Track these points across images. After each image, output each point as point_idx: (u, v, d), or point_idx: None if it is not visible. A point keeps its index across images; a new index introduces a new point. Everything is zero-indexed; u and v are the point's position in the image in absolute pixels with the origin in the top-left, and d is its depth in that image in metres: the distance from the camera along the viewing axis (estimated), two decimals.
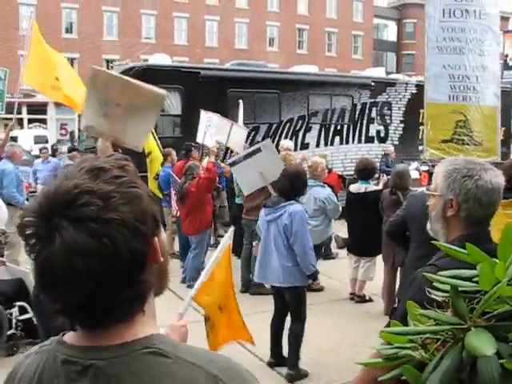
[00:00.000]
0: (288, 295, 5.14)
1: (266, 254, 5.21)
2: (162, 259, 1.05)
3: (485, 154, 3.28)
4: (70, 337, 1.07)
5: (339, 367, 5.26)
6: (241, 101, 10.36)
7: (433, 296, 1.11)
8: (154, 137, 9.91)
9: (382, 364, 1.14)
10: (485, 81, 3.92)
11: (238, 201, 9.02)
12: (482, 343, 0.92)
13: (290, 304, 5.17)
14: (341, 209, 7.15)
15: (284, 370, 5.18)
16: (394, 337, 1.10)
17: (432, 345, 1.08)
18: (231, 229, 4.21)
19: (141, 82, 2.73)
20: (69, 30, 38.27)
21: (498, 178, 1.98)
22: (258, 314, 6.59)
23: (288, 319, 5.34)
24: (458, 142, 3.79)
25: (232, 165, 6.19)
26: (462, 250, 1.12)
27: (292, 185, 5.13)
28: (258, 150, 6.15)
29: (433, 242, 1.37)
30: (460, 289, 1.06)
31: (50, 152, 14.70)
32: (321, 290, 7.71)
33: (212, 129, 10.39)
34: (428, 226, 2.12)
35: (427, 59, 3.98)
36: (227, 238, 3.30)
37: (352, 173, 9.58)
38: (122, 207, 0.96)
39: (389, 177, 8.25)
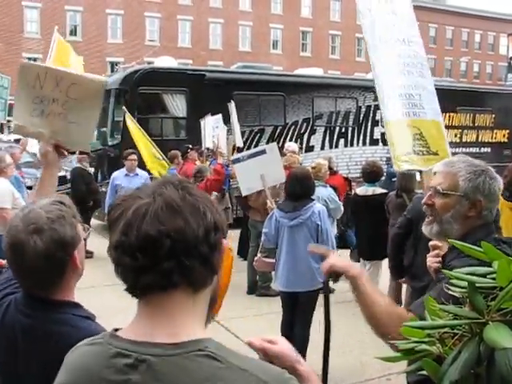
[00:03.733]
0: (307, 298, 5.06)
1: (293, 260, 5.07)
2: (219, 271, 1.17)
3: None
4: (123, 332, 1.11)
5: (347, 367, 5.28)
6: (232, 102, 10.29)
7: (451, 292, 1.15)
8: (154, 145, 9.95)
9: (401, 359, 1.18)
10: (427, 99, 4.13)
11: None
12: (501, 336, 0.96)
13: (305, 308, 5.08)
14: (343, 208, 7.19)
15: None
16: (412, 331, 1.14)
17: (449, 339, 1.11)
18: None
19: (75, 71, 2.44)
20: (73, 33, 38.40)
21: None
22: (265, 315, 6.63)
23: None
24: (418, 153, 3.93)
25: (235, 162, 6.19)
26: (478, 249, 1.15)
27: (307, 186, 5.20)
28: (263, 152, 6.14)
29: (450, 240, 1.41)
30: (476, 285, 1.10)
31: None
32: None
33: (218, 130, 10.47)
34: (433, 228, 2.05)
35: (376, 80, 4.12)
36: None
37: (357, 175, 9.60)
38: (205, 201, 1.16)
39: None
